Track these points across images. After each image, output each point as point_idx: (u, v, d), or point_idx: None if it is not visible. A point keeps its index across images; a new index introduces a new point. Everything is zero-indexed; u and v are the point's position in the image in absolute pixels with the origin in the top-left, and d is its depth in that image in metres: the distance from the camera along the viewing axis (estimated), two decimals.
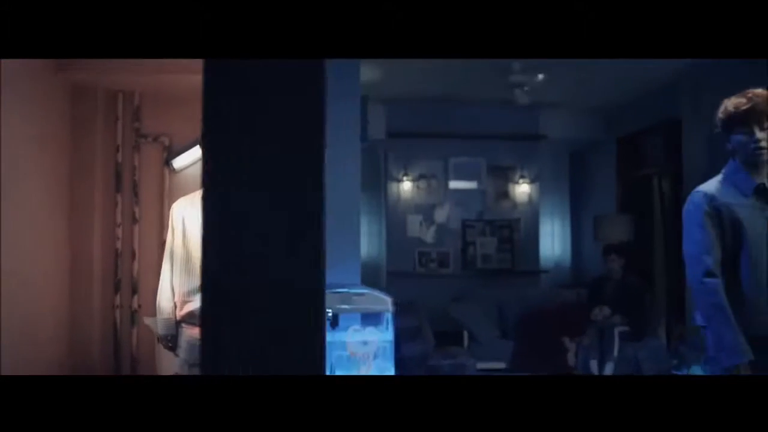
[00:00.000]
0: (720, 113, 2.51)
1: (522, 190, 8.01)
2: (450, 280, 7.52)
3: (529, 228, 7.98)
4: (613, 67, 5.81)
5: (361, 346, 3.43)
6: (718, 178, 2.53)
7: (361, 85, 6.47)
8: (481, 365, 5.19)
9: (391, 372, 3.51)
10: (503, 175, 7.99)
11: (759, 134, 2.40)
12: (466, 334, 5.62)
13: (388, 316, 3.48)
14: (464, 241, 7.84)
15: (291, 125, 1.93)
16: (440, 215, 7.83)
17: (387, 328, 3.49)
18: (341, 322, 3.46)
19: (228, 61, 1.93)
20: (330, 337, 3.43)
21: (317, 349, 1.88)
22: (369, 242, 8.26)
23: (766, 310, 2.37)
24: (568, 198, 8.50)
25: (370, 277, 8.11)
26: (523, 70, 5.99)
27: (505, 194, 8.00)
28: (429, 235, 7.78)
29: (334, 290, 3.45)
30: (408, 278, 7.58)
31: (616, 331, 5.35)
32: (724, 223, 2.41)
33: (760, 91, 2.46)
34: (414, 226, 7.79)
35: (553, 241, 8.55)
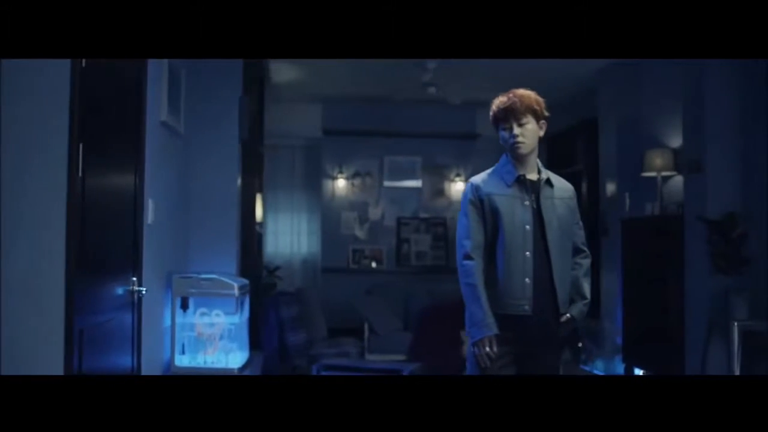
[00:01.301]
0: (490, 111, 2.66)
1: (457, 188, 8.14)
2: (383, 277, 7.65)
3: None
4: (543, 66, 5.92)
5: (208, 327, 3.60)
6: (490, 170, 2.67)
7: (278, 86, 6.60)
8: (374, 357, 5.32)
9: (237, 353, 3.67)
10: (439, 173, 8.13)
11: (516, 130, 2.55)
12: (366, 326, 5.76)
13: (236, 300, 3.64)
14: (399, 238, 7.98)
15: None
16: (375, 213, 7.98)
17: (235, 311, 3.65)
18: (191, 306, 3.63)
19: None
20: (181, 318, 3.61)
21: None
22: (309, 239, 8.42)
23: (514, 291, 2.50)
24: None
25: (309, 273, 8.28)
26: (435, 69, 6.15)
27: (440, 192, 8.15)
28: (363, 232, 7.93)
29: (183, 275, 3.63)
30: (342, 274, 7.74)
31: None
32: (486, 211, 2.56)
33: (521, 91, 2.62)
34: (348, 223, 7.94)
35: None
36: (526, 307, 2.50)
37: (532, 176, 2.61)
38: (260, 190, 6.40)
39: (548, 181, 2.64)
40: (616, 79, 6.20)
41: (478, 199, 2.58)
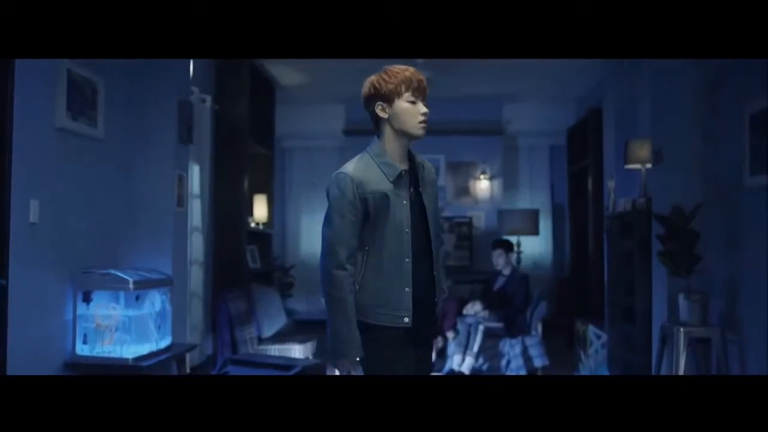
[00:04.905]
0: (396, 77, 2.28)
1: (482, 186, 7.93)
2: None
3: (489, 225, 7.89)
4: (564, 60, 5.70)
5: (106, 319, 3.85)
6: (363, 159, 2.28)
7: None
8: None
9: (132, 345, 3.89)
10: (463, 170, 7.96)
11: (424, 108, 2.25)
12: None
13: (132, 294, 3.87)
14: None
15: None
16: None
17: (129, 305, 3.87)
18: (95, 299, 3.91)
19: None
20: (84, 311, 3.89)
21: None
22: None
23: (392, 301, 2.20)
24: (548, 194, 8.27)
25: None
26: (425, 65, 6.07)
27: (464, 190, 7.97)
28: None
29: (84, 270, 3.90)
30: None
31: (481, 326, 5.28)
32: (366, 212, 2.22)
33: (400, 67, 2.30)
34: None
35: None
36: (406, 319, 2.18)
37: (411, 166, 2.30)
38: (260, 191, 6.65)
39: (422, 166, 2.33)
40: (616, 70, 5.80)
41: (359, 199, 2.18)
